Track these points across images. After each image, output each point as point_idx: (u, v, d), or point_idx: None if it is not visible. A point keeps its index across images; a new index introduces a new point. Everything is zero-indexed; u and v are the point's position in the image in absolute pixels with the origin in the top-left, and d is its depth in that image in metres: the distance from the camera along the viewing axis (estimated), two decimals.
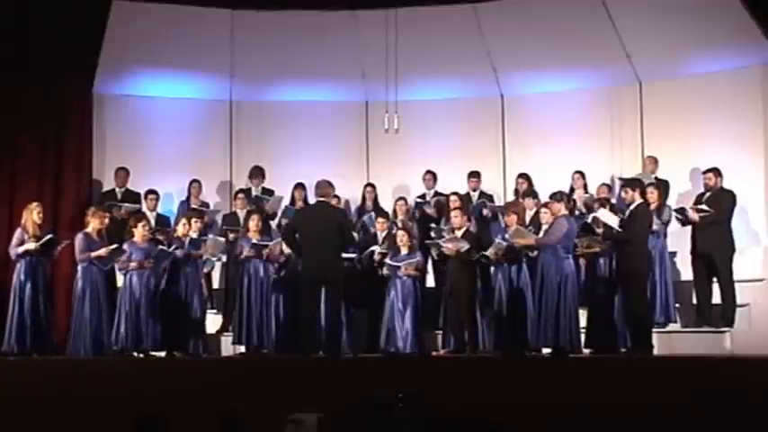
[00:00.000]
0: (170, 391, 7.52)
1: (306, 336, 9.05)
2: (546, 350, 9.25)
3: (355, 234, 10.19)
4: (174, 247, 9.78)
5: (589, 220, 9.70)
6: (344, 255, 9.47)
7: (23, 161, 10.95)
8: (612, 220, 9.06)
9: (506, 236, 9.77)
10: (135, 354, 9.43)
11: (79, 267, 9.58)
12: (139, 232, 9.69)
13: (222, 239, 10.46)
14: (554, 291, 8.93)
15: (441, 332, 10.15)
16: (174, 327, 9.66)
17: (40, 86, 11.06)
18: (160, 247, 9.75)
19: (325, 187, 9.31)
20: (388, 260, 10.02)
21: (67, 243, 9.86)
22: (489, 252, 9.71)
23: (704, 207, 9.78)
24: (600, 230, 9.17)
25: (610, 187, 10.84)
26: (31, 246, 9.52)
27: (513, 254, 9.67)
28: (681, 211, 10.00)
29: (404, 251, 10.07)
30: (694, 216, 9.78)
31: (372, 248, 10.24)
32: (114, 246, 9.55)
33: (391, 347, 9.86)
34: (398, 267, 9.94)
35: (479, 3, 11.45)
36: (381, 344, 9.94)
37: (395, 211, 10.97)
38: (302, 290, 9.19)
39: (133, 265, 9.54)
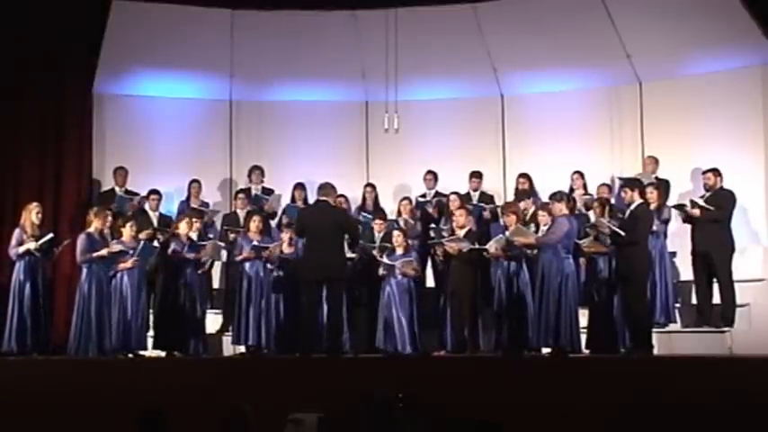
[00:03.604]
0: (170, 391, 7.52)
1: (305, 335, 9.06)
2: (546, 350, 9.24)
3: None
4: (172, 246, 9.79)
5: (588, 223, 9.70)
6: (347, 255, 9.51)
7: (23, 161, 10.96)
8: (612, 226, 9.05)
9: (506, 234, 9.75)
10: (126, 354, 9.43)
11: (84, 268, 9.57)
12: (127, 232, 9.70)
13: (222, 244, 10.47)
14: (555, 290, 8.92)
15: (441, 332, 10.13)
16: (173, 327, 9.67)
17: (40, 86, 11.07)
18: (143, 240, 9.75)
19: (327, 188, 9.35)
20: (384, 258, 10.01)
21: (68, 243, 9.87)
22: (489, 246, 9.71)
23: (702, 203, 9.76)
24: (606, 231, 9.14)
25: (610, 187, 10.83)
26: (31, 245, 9.51)
27: (514, 250, 9.65)
28: (680, 207, 10.00)
29: (399, 251, 10.07)
30: (694, 211, 9.77)
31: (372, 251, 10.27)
32: (118, 248, 9.54)
33: (388, 347, 9.85)
34: (394, 266, 9.92)
35: (479, 3, 11.45)
36: (377, 342, 9.93)
37: (399, 210, 10.98)
38: (303, 289, 9.21)
39: (121, 265, 9.53)
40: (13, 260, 9.60)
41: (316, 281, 9.09)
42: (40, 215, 9.74)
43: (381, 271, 10.01)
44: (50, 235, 9.71)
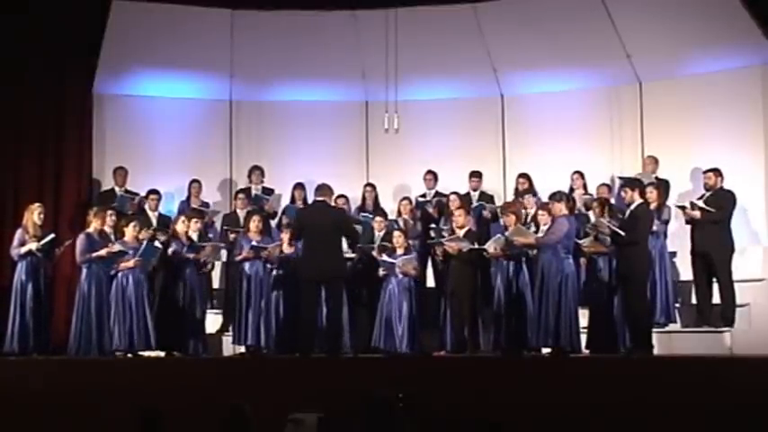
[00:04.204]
0: (170, 391, 7.52)
1: (304, 335, 9.07)
2: (546, 350, 9.24)
3: (359, 227, 10.22)
4: (172, 246, 9.79)
5: (589, 224, 9.70)
6: (347, 255, 9.51)
7: (23, 161, 10.96)
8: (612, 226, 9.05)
9: (506, 234, 9.75)
10: (128, 354, 9.42)
11: (83, 268, 9.56)
12: (129, 232, 9.69)
13: (221, 245, 10.45)
14: (554, 291, 8.93)
15: (441, 332, 10.13)
16: (173, 327, 9.67)
17: (41, 86, 11.06)
18: (146, 241, 9.74)
19: (324, 189, 9.37)
20: (384, 257, 10.00)
21: (69, 243, 9.86)
22: (488, 246, 9.71)
23: (701, 205, 9.76)
24: (606, 231, 9.15)
25: (610, 187, 10.83)
26: (33, 246, 9.50)
27: (513, 250, 9.65)
28: (681, 208, 10.00)
29: (399, 251, 10.06)
30: (695, 213, 9.77)
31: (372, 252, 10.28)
32: (117, 248, 9.53)
33: (387, 346, 9.84)
34: (394, 264, 9.92)
35: (479, 3, 11.45)
36: (374, 341, 9.92)
37: (399, 210, 10.98)
38: (302, 289, 9.22)
39: (123, 265, 9.52)
40: (15, 260, 9.60)
41: (315, 280, 9.10)
42: (42, 216, 9.73)
43: (381, 271, 10.01)
44: (52, 235, 9.70)
